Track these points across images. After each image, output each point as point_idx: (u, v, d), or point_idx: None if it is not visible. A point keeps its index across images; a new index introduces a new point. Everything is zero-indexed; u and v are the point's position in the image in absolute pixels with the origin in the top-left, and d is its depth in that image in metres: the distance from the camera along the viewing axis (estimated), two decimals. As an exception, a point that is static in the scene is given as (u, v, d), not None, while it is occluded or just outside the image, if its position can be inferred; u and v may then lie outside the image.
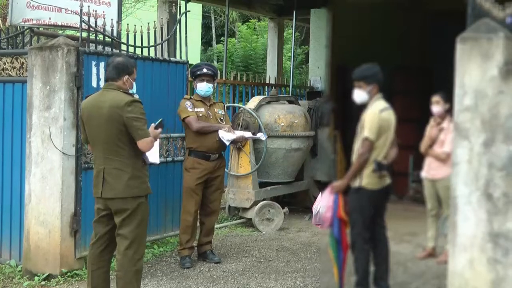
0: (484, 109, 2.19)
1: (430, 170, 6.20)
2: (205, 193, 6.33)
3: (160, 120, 4.81)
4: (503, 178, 2.17)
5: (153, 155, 5.00)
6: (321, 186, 8.91)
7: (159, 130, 4.74)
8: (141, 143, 4.49)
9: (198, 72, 6.31)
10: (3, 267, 5.92)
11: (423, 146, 6.22)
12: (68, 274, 5.62)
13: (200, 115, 6.24)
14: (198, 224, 6.44)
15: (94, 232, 4.74)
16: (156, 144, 5.17)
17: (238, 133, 6.64)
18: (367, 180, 4.81)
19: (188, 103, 6.24)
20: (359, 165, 4.76)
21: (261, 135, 7.25)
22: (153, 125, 4.69)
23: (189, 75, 6.80)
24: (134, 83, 4.74)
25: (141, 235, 4.62)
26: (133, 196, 4.52)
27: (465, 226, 2.35)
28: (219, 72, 10.52)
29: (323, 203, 4.96)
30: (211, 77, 6.37)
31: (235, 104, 9.22)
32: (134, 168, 4.53)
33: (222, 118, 6.43)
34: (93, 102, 4.64)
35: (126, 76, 4.60)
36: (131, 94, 4.61)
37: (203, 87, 6.31)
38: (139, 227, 4.57)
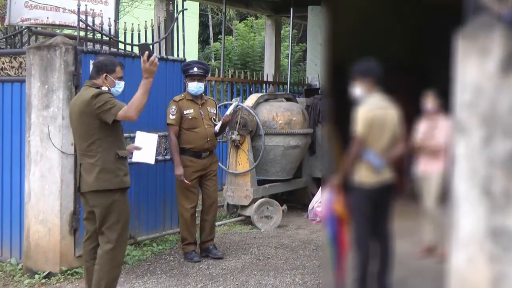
0: (483, 105, 2.20)
1: (424, 166, 6.22)
2: (202, 189, 6.43)
3: (140, 46, 4.74)
4: (502, 174, 2.18)
5: (148, 155, 5.01)
6: (319, 183, 8.94)
7: (153, 57, 4.51)
8: (124, 114, 4.44)
9: (190, 71, 6.33)
10: (4, 265, 5.94)
11: (416, 142, 6.24)
12: (68, 272, 5.63)
13: (190, 117, 6.27)
14: (197, 221, 6.49)
15: (85, 230, 4.82)
16: (153, 143, 5.18)
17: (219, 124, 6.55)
18: (361, 175, 4.83)
19: (173, 108, 6.26)
20: (349, 160, 4.78)
21: (234, 100, 7.33)
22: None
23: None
24: (120, 82, 4.72)
25: (120, 232, 4.62)
26: (103, 189, 4.52)
27: (464, 223, 2.36)
28: (217, 70, 10.56)
29: (322, 199, 4.97)
30: (202, 76, 6.38)
31: (232, 102, 9.23)
32: (105, 161, 4.53)
33: (214, 117, 6.46)
34: (73, 100, 4.81)
35: (105, 75, 4.63)
36: (100, 87, 4.58)
37: (194, 87, 6.33)
38: (117, 224, 4.58)
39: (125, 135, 4.90)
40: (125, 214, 4.67)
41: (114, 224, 4.57)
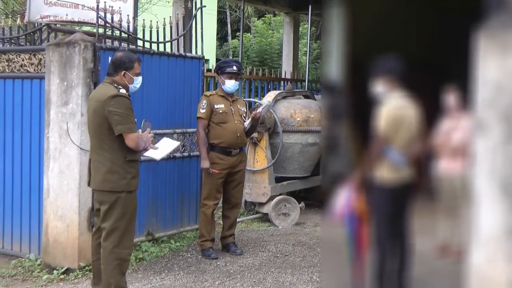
0: (504, 102, 2.17)
1: (443, 164, 6.16)
2: (227, 187, 6.43)
3: (143, 122, 4.84)
4: (523, 172, 2.14)
5: (159, 154, 5.02)
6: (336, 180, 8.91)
7: (151, 133, 4.76)
8: (126, 139, 4.51)
9: (228, 70, 6.35)
10: (23, 260, 5.98)
11: (438, 140, 6.18)
12: (86, 268, 5.65)
13: (221, 111, 6.29)
14: (216, 217, 6.53)
15: (95, 224, 4.91)
16: (171, 147, 5.20)
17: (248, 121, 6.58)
18: (382, 173, 4.80)
19: (204, 102, 6.29)
20: (371, 158, 4.76)
21: (264, 104, 7.31)
22: (140, 131, 4.70)
23: (215, 70, 6.80)
24: (137, 78, 4.74)
25: (123, 229, 4.61)
26: (109, 190, 4.55)
27: (484, 222, 2.33)
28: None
29: (340, 197, 4.94)
30: (239, 75, 6.46)
31: (251, 99, 9.23)
32: (113, 163, 4.54)
33: (244, 115, 6.48)
34: (91, 95, 4.86)
35: (123, 72, 4.64)
36: (118, 89, 4.57)
37: (232, 85, 6.37)
38: (120, 220, 4.58)
39: (152, 132, 4.89)
40: (130, 211, 4.65)
41: (117, 221, 4.57)
